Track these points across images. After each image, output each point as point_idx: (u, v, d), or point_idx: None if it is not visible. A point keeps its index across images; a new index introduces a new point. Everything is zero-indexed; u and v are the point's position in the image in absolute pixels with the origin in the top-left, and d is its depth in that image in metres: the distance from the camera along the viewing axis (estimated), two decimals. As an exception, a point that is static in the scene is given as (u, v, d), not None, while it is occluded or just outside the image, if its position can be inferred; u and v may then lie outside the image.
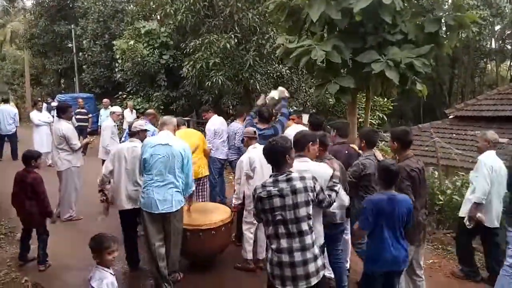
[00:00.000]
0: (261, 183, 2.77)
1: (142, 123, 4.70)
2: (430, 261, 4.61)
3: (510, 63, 27.98)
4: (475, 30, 15.07)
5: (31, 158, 4.29)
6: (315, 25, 6.07)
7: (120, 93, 14.67)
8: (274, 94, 6.04)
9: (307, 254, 2.58)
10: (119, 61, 12.85)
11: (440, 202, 5.25)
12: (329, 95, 10.95)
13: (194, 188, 4.24)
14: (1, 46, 30.12)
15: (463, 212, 4.25)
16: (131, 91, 14.28)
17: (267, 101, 5.93)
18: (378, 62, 5.59)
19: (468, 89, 25.92)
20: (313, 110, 10.76)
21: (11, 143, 10.66)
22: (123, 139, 6.32)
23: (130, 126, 4.69)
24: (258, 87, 9.22)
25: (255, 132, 4.68)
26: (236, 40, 8.48)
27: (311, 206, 2.65)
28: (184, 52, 10.46)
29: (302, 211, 2.59)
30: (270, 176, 2.75)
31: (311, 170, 2.89)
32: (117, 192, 4.30)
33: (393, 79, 5.48)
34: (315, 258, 2.62)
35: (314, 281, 2.58)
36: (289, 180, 2.63)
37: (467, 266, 4.31)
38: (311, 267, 2.57)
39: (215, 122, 6.46)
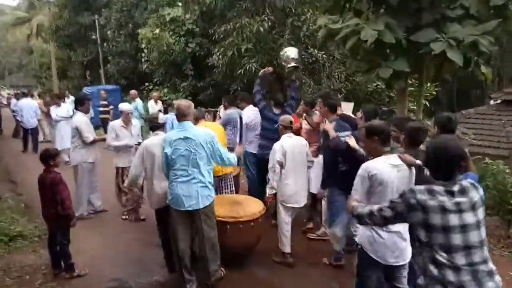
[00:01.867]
0: (422, 187, 2.06)
1: (163, 116, 4.46)
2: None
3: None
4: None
5: (49, 157, 3.94)
6: (361, 2, 5.48)
7: (146, 84, 14.41)
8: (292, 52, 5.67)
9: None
10: (145, 50, 12.54)
11: (515, 201, 4.63)
12: (368, 81, 10.30)
13: (235, 161, 4.04)
14: (29, 40, 30.50)
15: None
16: (157, 82, 13.99)
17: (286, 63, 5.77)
18: (438, 41, 4.96)
19: (508, 70, 24.34)
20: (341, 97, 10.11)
21: (32, 136, 11.01)
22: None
23: (151, 119, 4.36)
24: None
25: (291, 122, 4.45)
26: (269, 24, 7.91)
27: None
28: (213, 38, 9.99)
29: (483, 233, 2.01)
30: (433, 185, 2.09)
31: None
32: (151, 190, 4.02)
33: (456, 61, 4.85)
34: None
35: None
36: (463, 191, 2.01)
37: None
38: None
39: (249, 114, 5.96)
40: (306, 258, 4.45)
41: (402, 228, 2.64)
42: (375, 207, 2.26)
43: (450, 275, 1.94)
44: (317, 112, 5.68)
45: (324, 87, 10.55)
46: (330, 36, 5.77)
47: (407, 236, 2.62)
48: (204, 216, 3.61)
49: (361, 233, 2.78)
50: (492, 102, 12.87)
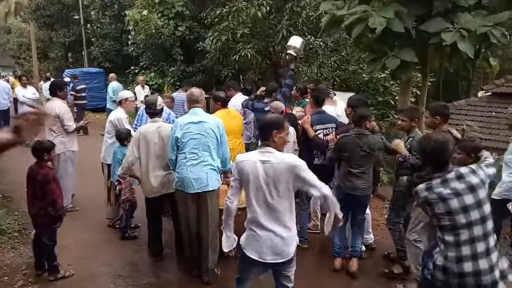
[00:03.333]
0: (423, 186, 2.41)
1: (162, 102, 4.16)
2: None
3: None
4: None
5: (43, 150, 3.54)
6: (368, -13, 5.18)
7: (132, 67, 13.86)
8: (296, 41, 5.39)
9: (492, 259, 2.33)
10: (132, 33, 11.96)
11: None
12: (362, 70, 10.05)
13: (231, 166, 3.91)
14: (6, 19, 29.10)
15: (497, 194, 4.14)
16: (144, 66, 13.47)
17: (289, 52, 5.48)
18: (448, 31, 4.73)
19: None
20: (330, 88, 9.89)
21: (4, 118, 10.54)
22: (135, 122, 5.41)
23: (150, 104, 3.99)
24: (289, 61, 8.32)
25: (283, 112, 4.37)
26: (267, 8, 7.51)
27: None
28: (204, 22, 9.53)
29: (487, 209, 2.34)
30: (434, 177, 2.43)
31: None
32: (146, 178, 3.91)
33: (467, 52, 4.63)
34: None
35: None
36: (460, 177, 2.34)
37: None
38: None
39: (237, 103, 5.66)
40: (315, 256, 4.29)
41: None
42: None
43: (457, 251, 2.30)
44: (307, 100, 5.47)
45: (315, 75, 10.30)
46: (334, 23, 5.49)
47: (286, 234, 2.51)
48: (210, 199, 3.59)
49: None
50: (479, 94, 12.84)
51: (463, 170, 2.36)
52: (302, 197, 4.41)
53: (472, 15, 4.96)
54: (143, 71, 13.32)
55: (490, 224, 2.33)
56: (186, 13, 11.69)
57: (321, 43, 8.79)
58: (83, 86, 11.11)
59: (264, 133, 2.59)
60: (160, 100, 4.06)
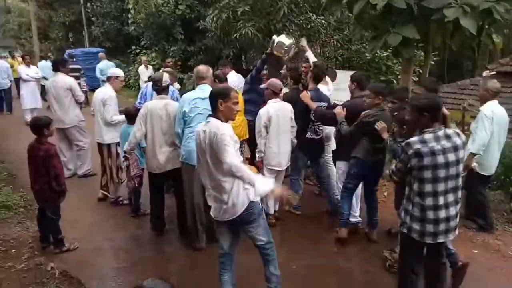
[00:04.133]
0: (416, 138, 2.56)
1: (168, 78, 4.15)
2: (518, 247, 3.91)
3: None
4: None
5: (42, 126, 3.57)
6: (370, -37, 5.08)
7: (133, 47, 13.76)
8: (283, 39, 5.05)
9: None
10: (132, 11, 11.82)
11: (522, 175, 4.53)
12: (365, 49, 9.95)
13: None
14: (5, -2, 28.75)
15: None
16: (145, 46, 13.38)
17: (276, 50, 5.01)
18: (451, 7, 4.66)
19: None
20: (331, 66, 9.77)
21: (6, 97, 11.03)
22: (138, 100, 5.46)
23: (155, 81, 4.04)
24: (291, 40, 8.24)
25: (281, 89, 4.41)
26: (268, -15, 7.42)
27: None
28: (204, 0, 9.41)
29: (461, 167, 2.59)
30: (424, 132, 2.58)
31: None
32: (152, 155, 3.96)
33: (470, 29, 4.58)
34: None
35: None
36: (447, 136, 2.56)
37: (482, 219, 4.24)
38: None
39: (232, 80, 5.67)
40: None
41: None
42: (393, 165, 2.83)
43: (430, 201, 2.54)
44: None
45: (317, 55, 10.19)
46: (336, 0, 5.42)
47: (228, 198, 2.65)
48: None
49: None
50: (484, 73, 12.70)
51: (450, 131, 2.60)
52: (292, 168, 4.61)
53: (476, -10, 4.88)
54: (144, 50, 13.25)
55: (460, 180, 2.61)
56: (187, -10, 11.52)
57: (323, 22, 8.67)
58: (76, 66, 10.88)
59: (212, 103, 2.71)
60: (166, 76, 4.07)
